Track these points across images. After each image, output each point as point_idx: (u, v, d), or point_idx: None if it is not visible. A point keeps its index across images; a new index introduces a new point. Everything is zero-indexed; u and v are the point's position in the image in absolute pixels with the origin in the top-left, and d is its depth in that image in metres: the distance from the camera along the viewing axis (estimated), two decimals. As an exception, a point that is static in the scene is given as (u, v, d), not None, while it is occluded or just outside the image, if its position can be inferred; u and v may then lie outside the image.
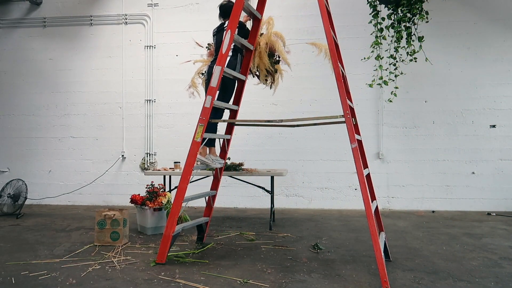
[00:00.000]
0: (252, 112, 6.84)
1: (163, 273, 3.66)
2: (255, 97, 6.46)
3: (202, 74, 5.35)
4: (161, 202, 5.20)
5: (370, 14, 4.31)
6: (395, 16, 4.22)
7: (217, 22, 5.09)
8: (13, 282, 3.47)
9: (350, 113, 3.63)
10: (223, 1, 4.97)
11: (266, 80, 5.11)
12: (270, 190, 5.76)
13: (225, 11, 4.88)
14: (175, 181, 6.01)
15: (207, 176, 5.81)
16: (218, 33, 4.85)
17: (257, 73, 5.15)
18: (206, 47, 5.61)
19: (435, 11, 5.95)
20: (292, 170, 7.09)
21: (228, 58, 4.50)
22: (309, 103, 7.17)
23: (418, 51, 4.20)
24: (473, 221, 6.02)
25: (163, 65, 7.56)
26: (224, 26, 4.78)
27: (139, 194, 5.41)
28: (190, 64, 5.98)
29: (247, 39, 4.80)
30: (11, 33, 7.96)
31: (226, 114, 5.08)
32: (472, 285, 3.40)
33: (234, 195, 7.24)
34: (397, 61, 4.33)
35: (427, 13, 4.10)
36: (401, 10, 4.11)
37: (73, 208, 7.30)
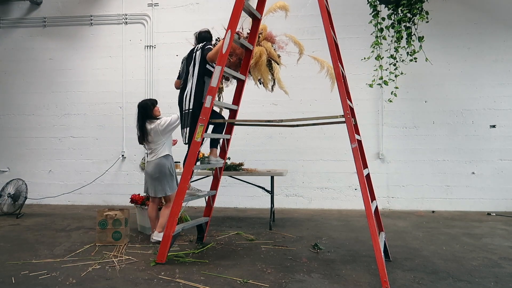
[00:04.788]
0: (252, 112, 6.84)
1: (163, 273, 3.66)
2: (255, 97, 6.45)
3: None
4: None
5: (370, 14, 4.31)
6: (395, 16, 4.21)
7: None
8: (13, 281, 3.47)
9: (350, 113, 3.63)
10: (201, 30, 4.92)
11: (268, 85, 5.32)
12: (270, 190, 5.76)
13: (204, 38, 4.83)
14: (175, 181, 6.01)
15: (207, 176, 5.81)
16: (189, 56, 4.75)
17: (261, 81, 5.32)
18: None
19: (435, 11, 5.94)
20: (292, 170, 7.09)
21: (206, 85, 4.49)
22: (309, 103, 7.18)
23: (418, 51, 4.19)
24: (473, 221, 6.02)
25: (163, 65, 7.56)
26: (196, 47, 4.69)
27: (139, 194, 5.42)
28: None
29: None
30: (11, 33, 7.96)
31: (226, 115, 5.08)
32: (472, 285, 3.40)
33: (234, 195, 7.24)
34: (397, 61, 4.32)
35: (427, 13, 4.09)
36: (401, 10, 4.11)
37: (73, 208, 7.30)
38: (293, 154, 7.24)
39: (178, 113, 4.76)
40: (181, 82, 4.82)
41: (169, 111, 7.47)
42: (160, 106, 6.39)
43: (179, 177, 4.31)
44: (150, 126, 4.72)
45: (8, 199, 6.47)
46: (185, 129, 4.58)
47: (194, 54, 4.68)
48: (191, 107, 4.53)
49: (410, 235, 5.11)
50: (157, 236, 4.62)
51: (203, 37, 4.86)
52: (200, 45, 4.69)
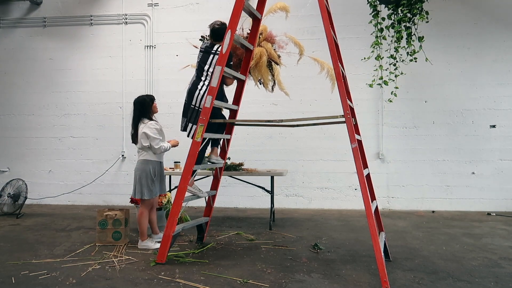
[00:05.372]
0: (252, 112, 6.84)
1: (163, 273, 3.66)
2: (255, 97, 6.45)
3: None
4: (161, 202, 5.20)
5: (370, 14, 4.31)
6: (395, 16, 4.21)
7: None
8: (13, 281, 3.47)
9: (350, 113, 3.63)
10: (215, 23, 4.70)
11: (268, 85, 5.33)
12: (270, 190, 5.76)
13: (218, 34, 4.63)
14: (175, 181, 6.01)
15: (207, 176, 5.81)
16: (206, 53, 4.59)
17: (261, 82, 5.32)
18: (200, 40, 5.48)
19: (435, 11, 5.95)
20: (292, 170, 7.09)
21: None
22: (309, 103, 7.17)
23: (418, 51, 4.19)
24: (473, 221, 6.02)
25: (163, 65, 7.56)
26: (214, 49, 4.56)
27: (139, 194, 5.41)
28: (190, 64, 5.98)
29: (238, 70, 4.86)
30: (11, 33, 7.96)
31: (226, 115, 5.08)
32: (472, 285, 3.40)
33: (234, 195, 7.24)
34: (397, 61, 4.32)
35: (427, 13, 4.09)
36: (401, 10, 4.11)
37: (73, 208, 7.30)
38: (293, 154, 7.24)
39: (183, 102, 4.66)
40: (195, 72, 4.67)
41: (169, 111, 7.54)
42: (160, 106, 6.42)
43: (178, 177, 4.30)
44: (141, 126, 4.50)
45: (8, 199, 6.47)
46: (191, 124, 4.49)
47: (212, 56, 4.53)
48: (202, 106, 4.41)
49: (410, 235, 5.11)
50: (141, 244, 4.53)
51: (217, 33, 4.64)
52: (219, 49, 4.51)
